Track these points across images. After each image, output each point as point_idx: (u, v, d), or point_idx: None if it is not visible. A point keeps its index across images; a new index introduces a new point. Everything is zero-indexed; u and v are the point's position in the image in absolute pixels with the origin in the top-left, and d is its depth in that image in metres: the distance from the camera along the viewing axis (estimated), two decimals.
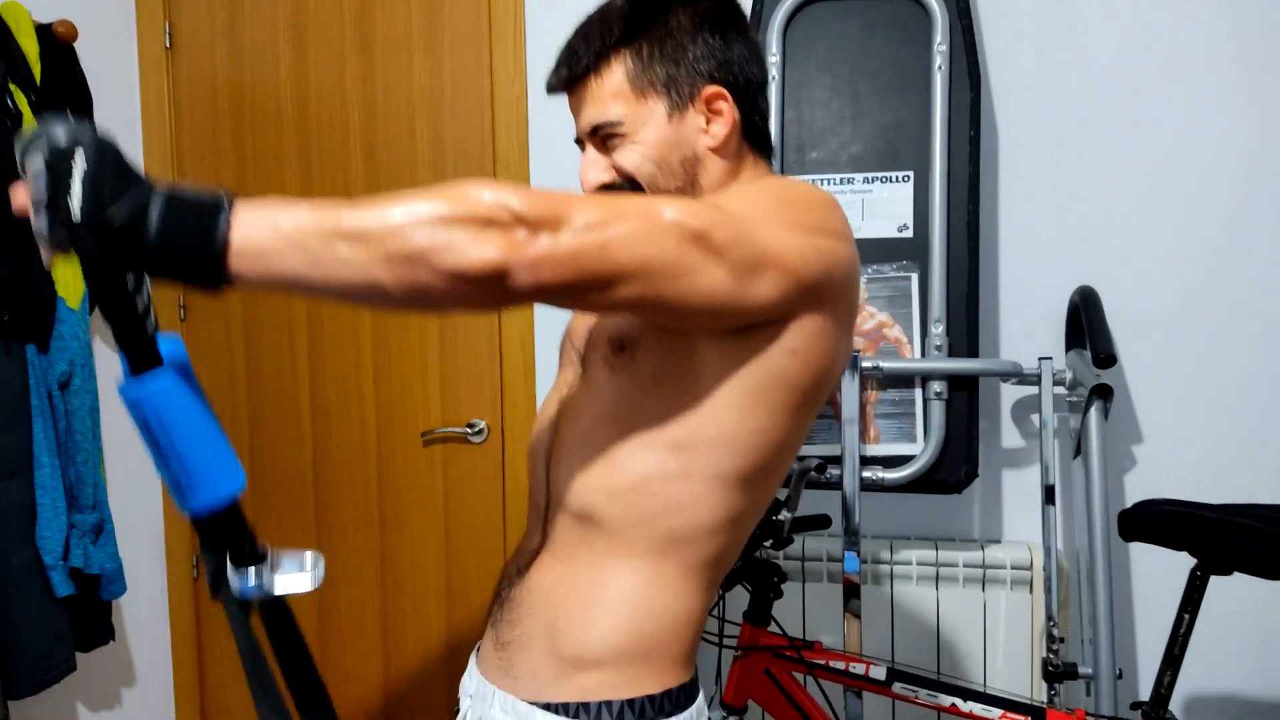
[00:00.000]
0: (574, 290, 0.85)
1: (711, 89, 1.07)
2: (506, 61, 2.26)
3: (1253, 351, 1.97)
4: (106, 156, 0.76)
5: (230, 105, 2.42)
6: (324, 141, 2.38)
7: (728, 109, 1.07)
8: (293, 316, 2.43)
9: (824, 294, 0.97)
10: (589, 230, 0.84)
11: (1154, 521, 1.57)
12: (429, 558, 2.40)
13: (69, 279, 1.97)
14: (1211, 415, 1.99)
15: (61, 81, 2.08)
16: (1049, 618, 1.85)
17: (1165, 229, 2.00)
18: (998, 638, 2.01)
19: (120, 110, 2.37)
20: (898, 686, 1.66)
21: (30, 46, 1.98)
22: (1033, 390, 2.06)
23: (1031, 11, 2.02)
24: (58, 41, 2.08)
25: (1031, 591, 2.00)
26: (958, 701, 1.64)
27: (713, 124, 1.08)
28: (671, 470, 1.00)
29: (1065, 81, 2.02)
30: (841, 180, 1.94)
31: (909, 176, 1.92)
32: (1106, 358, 1.79)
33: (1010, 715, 1.62)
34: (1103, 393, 1.84)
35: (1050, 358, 1.90)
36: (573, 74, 1.09)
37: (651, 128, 1.07)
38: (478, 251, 0.80)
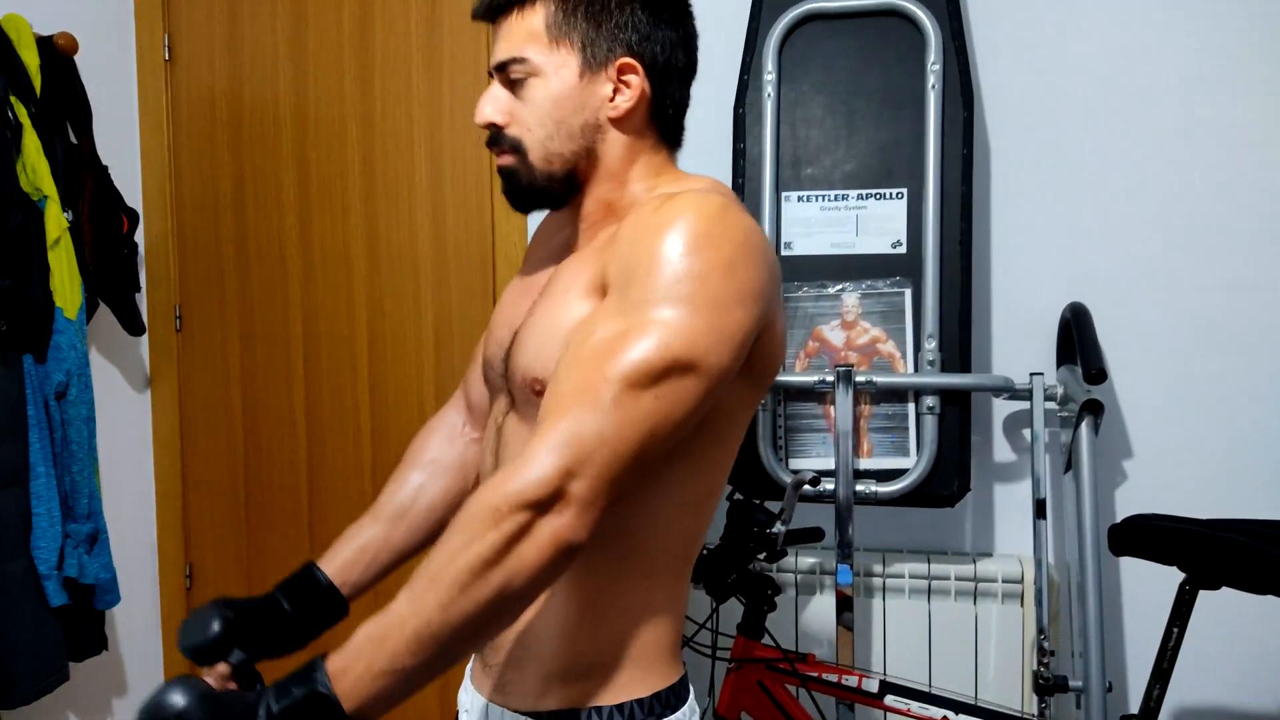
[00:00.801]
0: (622, 495, 0.90)
1: (626, 60, 1.05)
2: None
3: (1240, 366, 1.99)
4: (216, 713, 0.83)
5: (229, 117, 2.44)
6: (322, 154, 2.40)
7: (637, 82, 1.06)
8: (289, 328, 2.44)
9: (768, 315, 0.99)
10: (594, 458, 0.87)
11: (1143, 536, 1.59)
12: None
13: (66, 289, 1.98)
14: (1201, 429, 2.01)
15: (62, 94, 2.09)
16: (1040, 631, 1.86)
17: (1155, 245, 2.03)
18: (989, 650, 2.02)
19: (118, 121, 2.38)
20: (890, 699, 1.67)
21: (31, 59, 2.00)
22: (1024, 405, 2.08)
23: (1023, 31, 2.05)
24: (58, 53, 2.09)
25: (1022, 605, 2.01)
26: (949, 714, 1.65)
27: (619, 94, 1.06)
28: None
29: (1057, 100, 2.05)
30: (836, 196, 1.97)
31: (903, 193, 1.94)
32: (1098, 373, 1.81)
33: None
34: (1093, 408, 1.86)
35: (1041, 373, 1.92)
36: (494, 3, 1.08)
37: (558, 80, 1.05)
38: (536, 556, 0.86)
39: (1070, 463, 1.94)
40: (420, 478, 1.24)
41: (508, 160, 1.07)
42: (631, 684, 1.01)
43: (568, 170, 1.07)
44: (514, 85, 1.06)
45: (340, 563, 1.18)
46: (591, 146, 1.07)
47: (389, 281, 2.39)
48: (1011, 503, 2.13)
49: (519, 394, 1.06)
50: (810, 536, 1.82)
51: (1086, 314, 1.94)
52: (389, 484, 1.24)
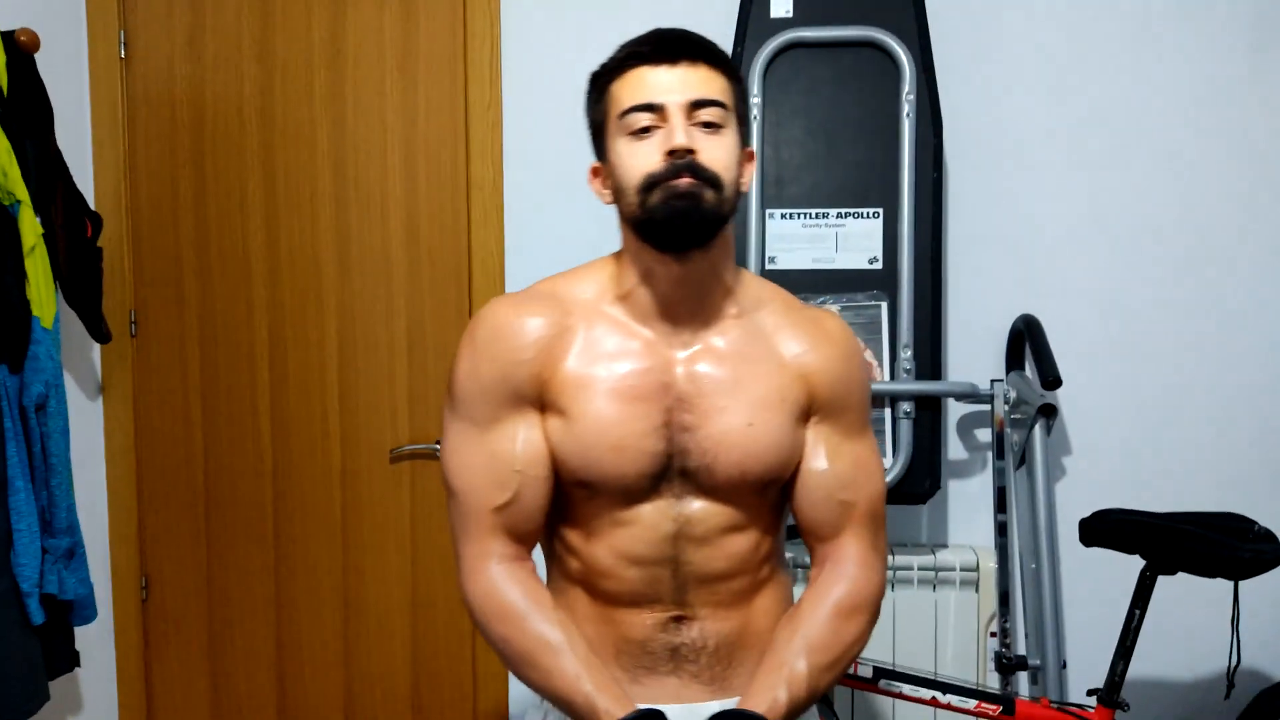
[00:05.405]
0: None
1: (750, 149, 1.26)
2: (482, 88, 2.30)
3: (1173, 372, 2.23)
4: None
5: (190, 118, 2.37)
6: (290, 156, 2.36)
7: (751, 171, 1.26)
8: (253, 329, 2.40)
9: None
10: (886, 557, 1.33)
11: (1110, 528, 1.77)
12: (394, 576, 2.41)
13: (43, 297, 1.91)
14: (1136, 429, 2.24)
15: (27, 93, 2.00)
16: (1003, 615, 2.04)
17: (1096, 260, 2.23)
18: (947, 634, 2.19)
19: (68, 122, 2.26)
20: (884, 683, 1.81)
21: None
22: (973, 408, 2.26)
23: (980, 60, 2.22)
24: (20, 50, 2.00)
25: (978, 591, 2.19)
26: (937, 694, 1.80)
27: (745, 172, 1.23)
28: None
29: (1009, 125, 2.23)
30: (817, 214, 2.09)
31: (878, 213, 2.08)
32: (1054, 381, 1.99)
33: (984, 705, 1.79)
34: (1047, 412, 2.05)
35: (1002, 380, 2.10)
36: (701, 50, 1.19)
37: (733, 139, 1.19)
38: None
39: (1023, 460, 2.12)
40: (559, 613, 1.25)
41: (697, 184, 1.14)
42: None
43: (728, 218, 1.19)
44: (705, 127, 1.15)
45: (624, 692, 1.22)
46: (734, 207, 1.20)
47: (360, 286, 2.38)
48: (962, 498, 2.30)
49: (738, 488, 1.24)
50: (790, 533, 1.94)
51: (1039, 326, 2.12)
52: (552, 634, 1.23)
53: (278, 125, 2.36)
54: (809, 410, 1.27)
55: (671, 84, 1.15)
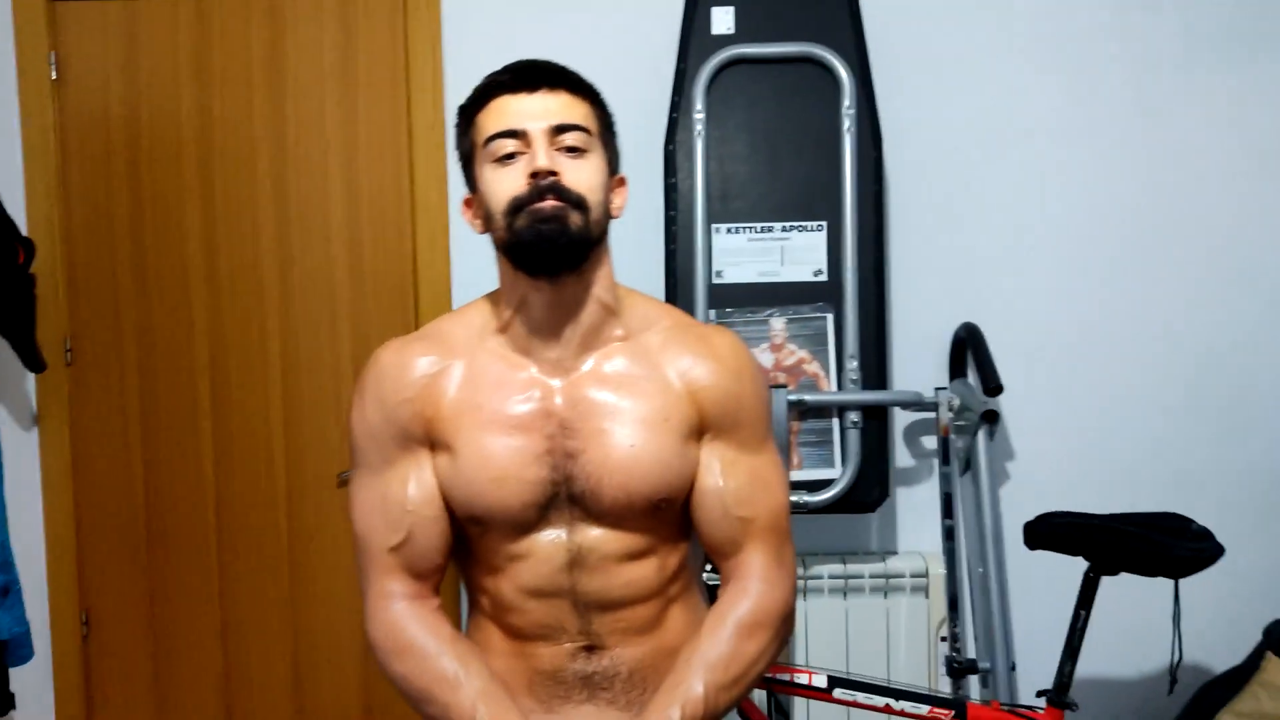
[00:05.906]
0: None
1: (622, 176, 1.29)
2: (425, 107, 2.29)
3: (1111, 378, 2.28)
4: None
5: (125, 140, 2.32)
6: (229, 178, 2.33)
7: (624, 196, 1.29)
8: (193, 355, 2.35)
9: None
10: (795, 571, 1.32)
11: (1054, 531, 1.81)
12: (344, 603, 2.37)
13: None
14: (1074, 434, 2.29)
15: None
16: (952, 620, 2.07)
17: (1034, 269, 2.29)
18: (899, 639, 2.21)
19: None
20: (838, 692, 1.82)
21: None
22: (918, 416, 2.30)
23: (917, 75, 2.26)
24: None
25: (928, 597, 2.21)
26: (890, 701, 1.82)
27: (615, 198, 1.27)
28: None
29: (948, 138, 2.27)
30: (762, 229, 2.11)
31: (823, 226, 2.11)
32: (996, 388, 2.03)
33: (936, 710, 1.81)
34: (990, 418, 2.09)
35: (946, 388, 2.13)
36: (561, 78, 1.21)
37: (601, 163, 1.23)
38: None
39: (968, 466, 2.16)
40: (460, 647, 1.26)
41: (562, 206, 1.16)
42: None
43: (598, 240, 1.21)
44: (569, 151, 1.18)
45: None
46: (605, 231, 1.23)
47: (303, 309, 2.35)
48: (910, 505, 2.34)
49: (625, 511, 1.23)
50: None
51: (980, 334, 2.16)
52: (450, 668, 1.22)
53: (216, 146, 2.32)
54: (700, 428, 1.25)
55: (533, 110, 1.17)
